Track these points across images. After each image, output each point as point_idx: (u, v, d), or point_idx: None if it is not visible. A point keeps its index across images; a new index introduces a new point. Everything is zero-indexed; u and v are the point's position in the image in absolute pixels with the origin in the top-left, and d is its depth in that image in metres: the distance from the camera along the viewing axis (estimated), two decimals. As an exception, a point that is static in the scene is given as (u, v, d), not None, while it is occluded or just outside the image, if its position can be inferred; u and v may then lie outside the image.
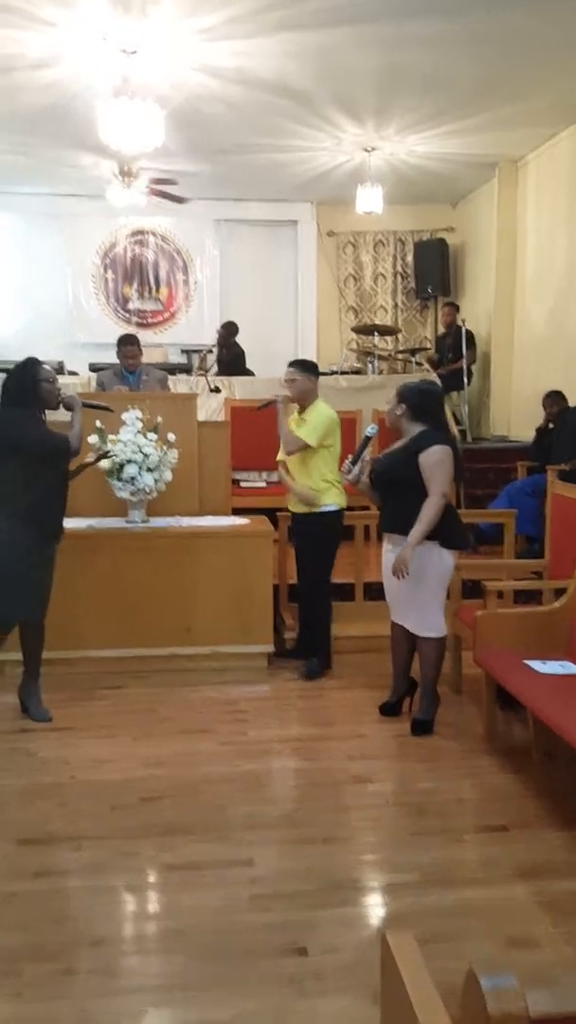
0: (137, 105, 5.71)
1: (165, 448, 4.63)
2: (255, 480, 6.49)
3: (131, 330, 8.24)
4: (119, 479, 4.55)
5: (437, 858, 2.78)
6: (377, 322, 9.53)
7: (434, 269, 9.67)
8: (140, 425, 4.61)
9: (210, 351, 8.40)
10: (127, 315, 9.89)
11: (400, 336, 9.62)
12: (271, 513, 5.02)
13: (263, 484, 6.37)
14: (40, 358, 3.87)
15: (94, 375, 7.01)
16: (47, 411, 3.85)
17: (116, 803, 3.13)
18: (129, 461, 4.50)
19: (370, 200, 8.20)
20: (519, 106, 6.69)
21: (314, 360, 4.93)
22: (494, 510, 5.92)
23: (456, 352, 8.43)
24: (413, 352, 8.94)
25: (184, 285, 9.97)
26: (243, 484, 6.49)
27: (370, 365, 8.39)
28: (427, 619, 3.73)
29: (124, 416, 4.61)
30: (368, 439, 3.87)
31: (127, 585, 4.49)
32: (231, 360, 8.41)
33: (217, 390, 7.20)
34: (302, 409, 4.43)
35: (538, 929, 2.41)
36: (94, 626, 4.46)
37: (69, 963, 2.26)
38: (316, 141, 7.55)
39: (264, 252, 10.01)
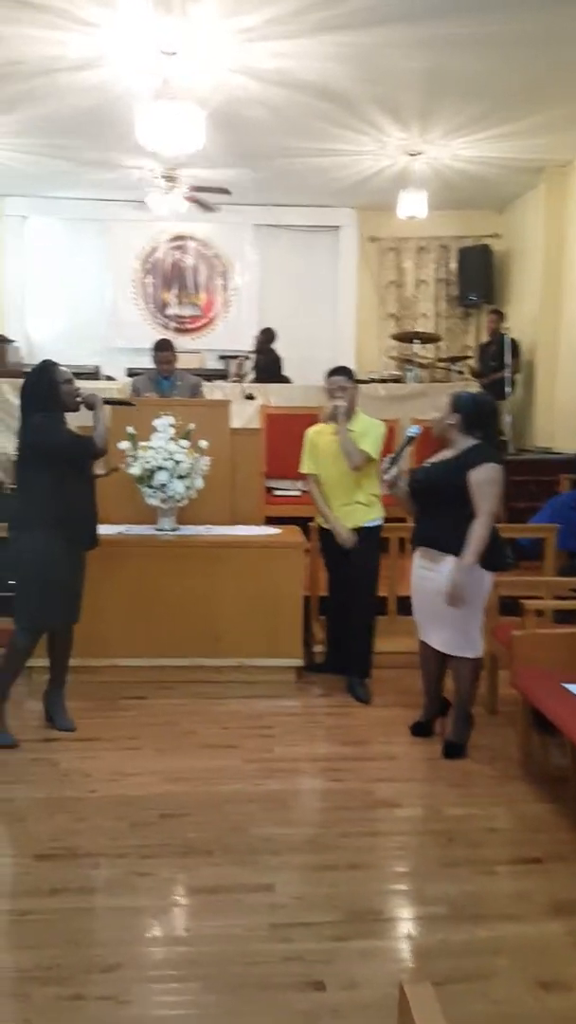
0: (177, 107, 5.67)
1: (197, 455, 4.56)
2: (289, 489, 6.38)
3: (169, 335, 8.20)
4: (149, 486, 4.48)
5: (466, 890, 2.67)
6: (418, 329, 9.39)
7: (478, 276, 9.48)
8: (172, 432, 4.54)
9: (247, 357, 8.34)
10: (165, 320, 9.88)
11: (442, 344, 9.47)
12: (305, 522, 4.92)
13: (298, 493, 6.25)
14: (78, 363, 3.82)
15: (130, 380, 7.00)
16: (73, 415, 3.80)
17: (136, 820, 3.07)
18: (160, 468, 4.44)
19: (413, 205, 8.07)
20: (566, 109, 6.52)
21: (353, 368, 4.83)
22: (535, 524, 5.73)
23: (499, 360, 8.27)
24: (454, 360, 8.79)
25: (223, 291, 9.92)
26: (277, 493, 6.40)
27: (409, 373, 8.25)
28: (463, 638, 3.61)
29: (155, 422, 4.56)
30: (411, 439, 3.74)
31: (155, 593, 4.43)
32: (266, 366, 8.34)
33: (251, 397, 7.13)
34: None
35: (572, 971, 2.28)
36: (120, 634, 4.41)
37: (79, 988, 2.20)
38: (359, 145, 7.43)
39: (304, 258, 9.92)
